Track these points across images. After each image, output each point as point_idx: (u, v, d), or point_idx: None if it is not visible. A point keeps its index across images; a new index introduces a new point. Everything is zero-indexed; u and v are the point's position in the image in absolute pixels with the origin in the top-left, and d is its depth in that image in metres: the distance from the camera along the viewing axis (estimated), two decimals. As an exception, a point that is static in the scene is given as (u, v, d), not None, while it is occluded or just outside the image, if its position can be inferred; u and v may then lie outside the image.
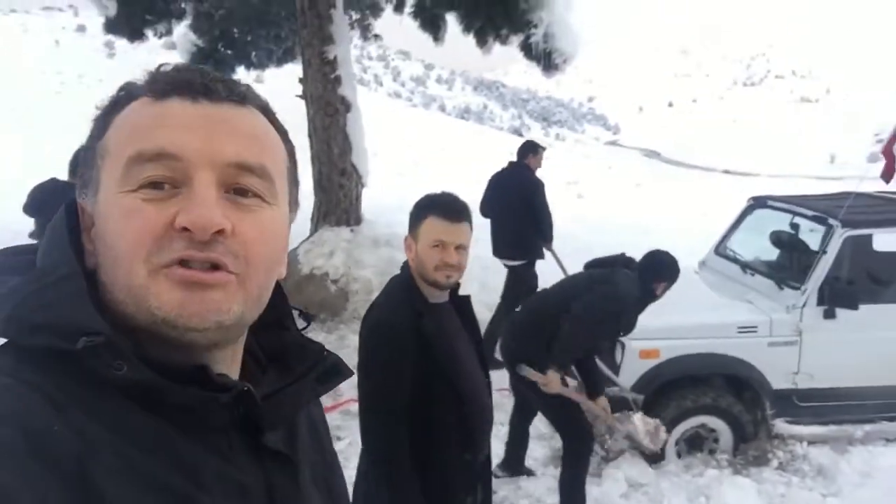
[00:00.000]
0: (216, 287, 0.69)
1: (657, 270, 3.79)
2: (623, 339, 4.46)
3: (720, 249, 5.60)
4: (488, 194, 6.46)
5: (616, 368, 4.51)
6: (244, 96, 0.76)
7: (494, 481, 4.09)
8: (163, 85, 0.73)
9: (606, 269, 3.93)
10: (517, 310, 4.32)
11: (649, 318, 4.51)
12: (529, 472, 4.23)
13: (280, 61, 11.60)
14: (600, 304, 3.69)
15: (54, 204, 2.86)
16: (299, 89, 7.89)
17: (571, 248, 9.34)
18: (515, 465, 4.25)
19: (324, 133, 7.68)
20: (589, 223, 12.23)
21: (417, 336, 2.05)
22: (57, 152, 4.97)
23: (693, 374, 4.46)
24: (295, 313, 0.91)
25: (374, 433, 2.07)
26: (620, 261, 3.99)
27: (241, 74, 11.16)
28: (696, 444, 4.53)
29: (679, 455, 4.49)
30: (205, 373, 0.70)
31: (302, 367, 0.82)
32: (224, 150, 0.71)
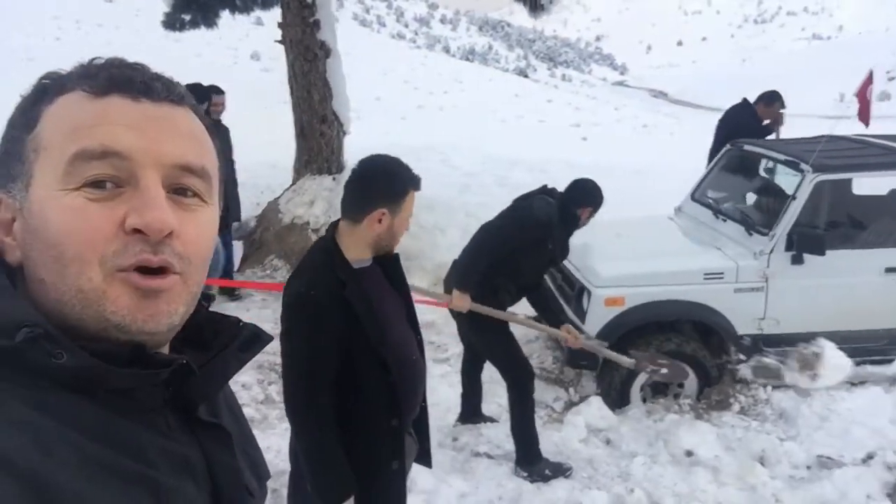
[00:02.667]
0: (166, 291, 0.71)
1: (580, 196, 3.86)
2: (589, 286, 4.48)
3: (696, 195, 5.56)
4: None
5: (582, 316, 4.53)
6: (182, 96, 0.77)
7: (455, 428, 4.22)
8: (102, 81, 0.72)
9: (523, 198, 3.99)
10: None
11: (615, 265, 4.54)
12: (489, 419, 4.28)
13: (266, 4, 11.36)
14: (511, 224, 3.79)
15: None
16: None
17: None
18: (472, 415, 4.30)
19: (303, 79, 7.57)
20: (592, 166, 12.12)
21: (341, 306, 2.02)
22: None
23: (658, 321, 4.48)
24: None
25: (296, 404, 2.06)
26: (540, 190, 4.02)
27: (227, 18, 10.96)
28: (660, 389, 4.58)
29: (644, 400, 4.54)
30: (142, 352, 0.70)
31: (221, 340, 0.84)
32: (170, 150, 0.72)
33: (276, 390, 4.53)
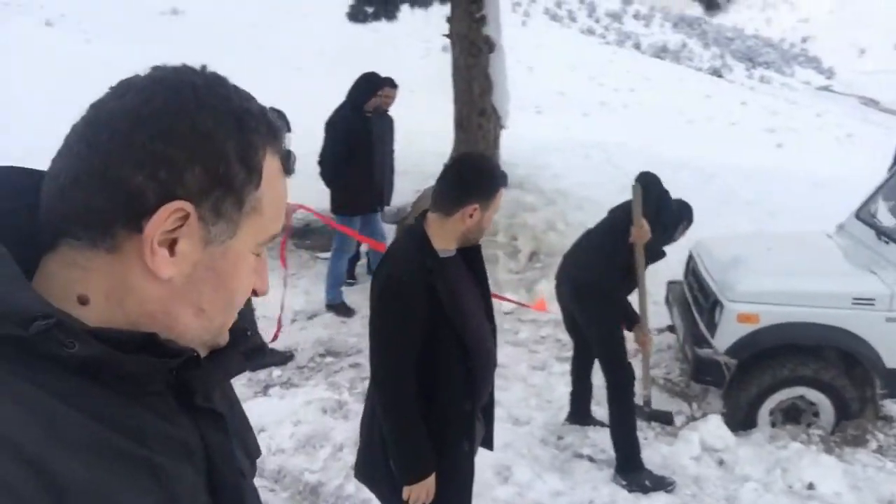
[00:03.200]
0: None
1: (688, 212, 4.22)
2: (723, 299, 4.28)
3: (861, 213, 5.10)
4: None
5: (713, 330, 4.34)
6: None
7: (562, 427, 4.21)
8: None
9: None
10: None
11: (755, 280, 4.30)
12: (599, 423, 4.22)
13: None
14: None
15: None
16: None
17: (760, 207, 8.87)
18: (581, 416, 4.27)
19: (466, 73, 7.77)
20: (783, 175, 11.39)
21: (427, 292, 2.14)
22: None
23: (795, 343, 4.19)
24: None
25: (384, 383, 2.21)
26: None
27: (405, 13, 11.41)
28: (792, 415, 4.29)
29: (773, 425, 4.28)
30: (153, 339, 0.73)
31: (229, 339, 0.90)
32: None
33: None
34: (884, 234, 4.62)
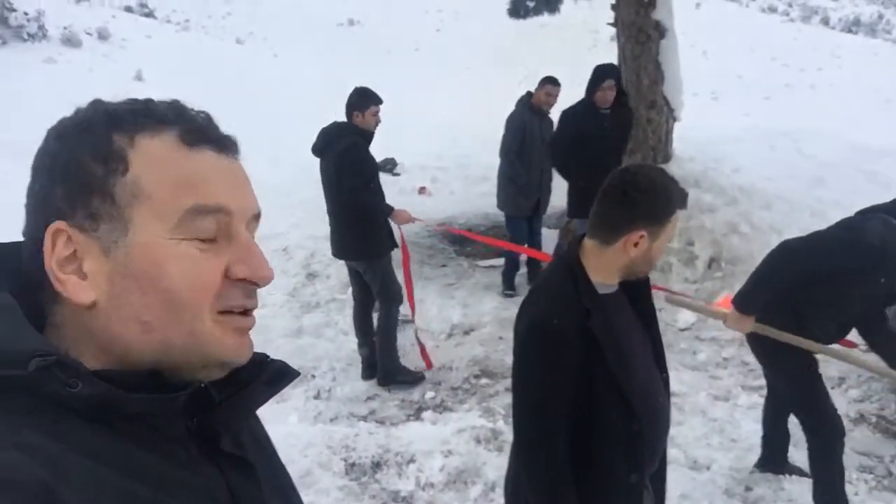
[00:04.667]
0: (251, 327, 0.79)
1: None
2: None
3: None
4: None
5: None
6: (237, 147, 0.82)
7: (752, 476, 3.59)
8: (193, 133, 0.76)
9: (861, 213, 3.06)
10: None
11: None
12: (798, 472, 3.52)
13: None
14: (824, 244, 2.94)
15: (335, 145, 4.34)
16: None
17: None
18: (775, 463, 3.59)
19: (633, 62, 7.14)
20: None
21: (584, 338, 1.74)
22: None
23: None
24: None
25: (529, 445, 1.83)
26: (886, 206, 3.02)
27: (568, 5, 10.88)
28: None
29: None
30: (158, 378, 0.73)
31: (248, 373, 0.83)
32: (251, 204, 0.80)
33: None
34: None
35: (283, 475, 0.97)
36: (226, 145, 0.79)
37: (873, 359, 3.35)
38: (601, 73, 5.50)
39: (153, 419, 0.72)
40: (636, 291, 1.95)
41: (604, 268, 1.82)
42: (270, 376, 0.85)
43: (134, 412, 0.70)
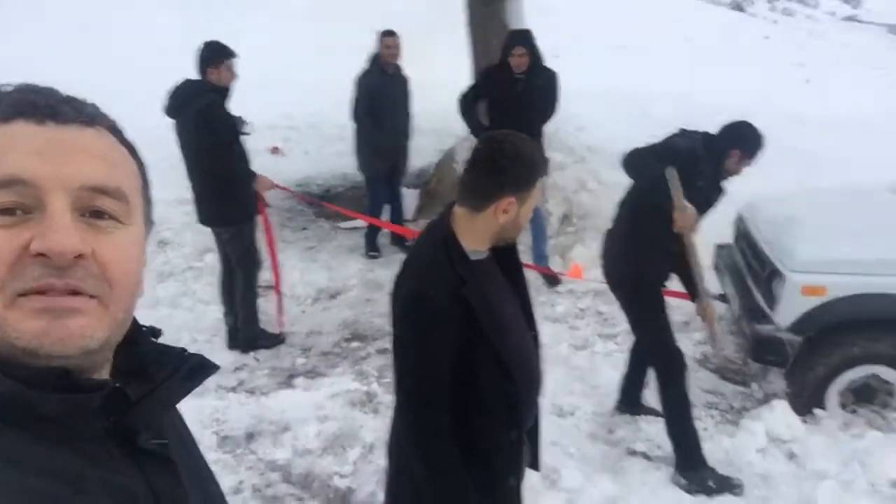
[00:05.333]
0: (77, 312, 0.70)
1: (733, 137, 3.41)
2: (783, 269, 3.86)
3: (932, 164, 4.62)
4: None
5: (772, 303, 3.93)
6: (92, 117, 0.77)
7: (612, 419, 3.87)
8: (5, 107, 0.72)
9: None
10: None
11: (819, 246, 3.88)
12: (653, 412, 3.85)
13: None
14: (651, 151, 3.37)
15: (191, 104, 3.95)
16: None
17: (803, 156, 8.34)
18: (632, 405, 3.91)
19: (482, 23, 7.24)
20: (817, 120, 10.75)
21: (460, 305, 1.78)
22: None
23: (869, 318, 3.78)
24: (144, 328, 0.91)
25: (415, 420, 1.87)
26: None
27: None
28: (864, 396, 3.91)
29: (843, 406, 3.90)
30: (68, 377, 0.69)
31: (165, 370, 0.82)
32: (77, 173, 0.72)
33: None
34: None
35: (202, 467, 0.96)
36: (51, 115, 0.73)
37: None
38: (510, 41, 5.38)
39: (68, 419, 0.69)
40: (505, 255, 2.01)
41: (475, 234, 1.87)
42: (187, 371, 0.83)
43: (48, 413, 0.67)
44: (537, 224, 5.54)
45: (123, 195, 0.76)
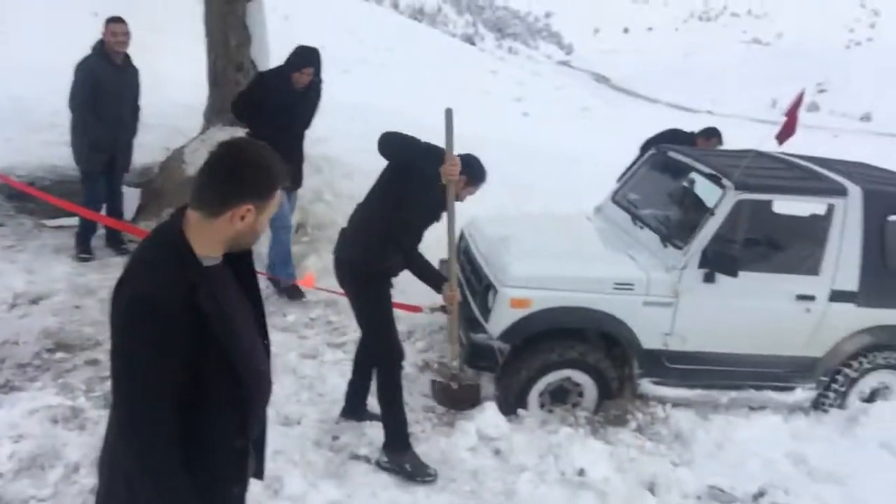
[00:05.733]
0: None
1: (462, 166, 3.62)
2: (496, 284, 4.24)
3: (617, 197, 5.37)
4: None
5: (486, 314, 4.30)
6: None
7: (338, 425, 3.94)
8: None
9: None
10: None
11: (526, 265, 4.31)
12: (377, 417, 3.95)
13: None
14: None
15: None
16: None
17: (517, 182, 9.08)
18: (356, 410, 4.03)
19: (220, 21, 7.03)
20: (529, 148, 11.84)
21: (190, 312, 1.70)
22: None
23: (564, 328, 4.29)
24: None
25: (137, 431, 1.74)
26: None
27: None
28: (560, 397, 4.41)
29: (542, 406, 4.36)
30: None
31: None
32: None
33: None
34: (638, 219, 4.88)
35: None
36: None
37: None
38: (302, 59, 5.22)
39: None
40: (239, 262, 1.98)
41: (209, 240, 1.81)
42: None
43: None
44: (281, 235, 5.47)
45: None
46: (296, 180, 5.54)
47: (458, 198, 3.74)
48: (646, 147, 6.69)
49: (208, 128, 7.29)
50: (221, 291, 1.84)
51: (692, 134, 6.64)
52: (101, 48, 5.59)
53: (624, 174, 5.71)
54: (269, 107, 5.12)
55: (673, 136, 6.58)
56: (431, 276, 3.91)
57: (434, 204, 3.67)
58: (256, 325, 2.02)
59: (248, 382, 1.88)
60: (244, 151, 1.82)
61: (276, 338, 4.72)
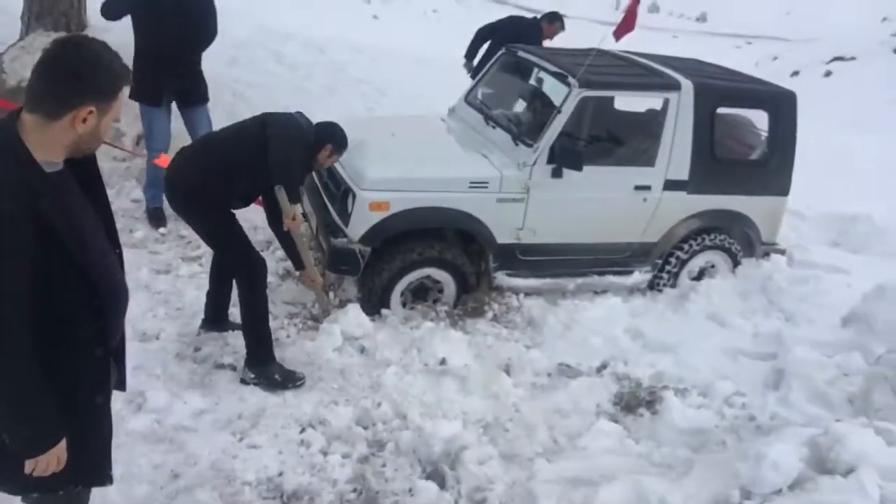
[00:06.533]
0: None
1: (329, 134, 3.86)
2: (354, 188, 4.25)
3: (470, 98, 5.45)
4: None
5: (346, 219, 4.31)
6: None
7: (199, 337, 3.90)
8: None
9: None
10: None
11: (383, 168, 4.34)
12: (238, 327, 3.92)
13: None
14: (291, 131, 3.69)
15: None
16: None
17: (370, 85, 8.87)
18: (218, 322, 3.99)
19: None
20: (376, 49, 11.53)
21: (35, 219, 1.63)
22: None
23: (422, 228, 4.39)
24: None
25: None
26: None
27: None
28: (420, 294, 4.56)
29: (404, 305, 4.50)
30: None
31: None
32: None
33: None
34: (491, 119, 5.00)
35: None
36: None
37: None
38: None
39: None
40: (83, 167, 1.89)
41: (49, 145, 1.72)
42: None
43: None
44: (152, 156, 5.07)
45: None
46: (184, 96, 5.12)
47: (323, 164, 3.95)
48: (482, 33, 6.82)
49: (27, 34, 6.61)
50: (67, 199, 1.77)
51: (533, 20, 6.81)
52: None
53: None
54: (140, 7, 4.69)
55: (511, 23, 6.74)
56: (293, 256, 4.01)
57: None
58: (107, 235, 1.97)
59: (103, 289, 1.85)
60: (81, 48, 1.71)
61: (126, 255, 4.53)
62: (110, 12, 4.83)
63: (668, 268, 5.05)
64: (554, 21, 6.78)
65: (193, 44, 5.01)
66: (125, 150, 5.90)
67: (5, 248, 1.61)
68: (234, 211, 3.72)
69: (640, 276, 5.01)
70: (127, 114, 6.15)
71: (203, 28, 5.01)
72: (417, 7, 31.43)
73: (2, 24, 7.82)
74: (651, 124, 5.02)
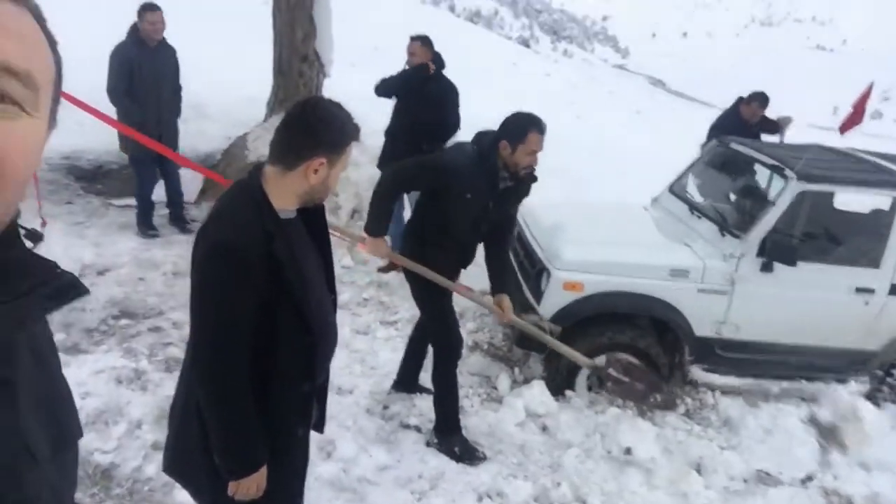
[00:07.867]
0: None
1: (499, 131, 3.42)
2: (549, 267, 4.28)
3: (675, 188, 5.34)
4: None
5: (539, 297, 4.33)
6: None
7: (389, 396, 4.03)
8: None
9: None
10: None
11: (579, 249, 4.34)
12: (427, 391, 4.04)
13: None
14: (414, 164, 3.60)
15: None
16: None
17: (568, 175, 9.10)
18: (408, 383, 4.10)
19: (288, 14, 7.21)
20: (580, 144, 11.79)
21: (266, 260, 1.81)
22: None
23: (615, 312, 4.29)
24: (22, 232, 0.81)
25: (210, 366, 1.85)
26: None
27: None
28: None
29: (590, 389, 4.38)
30: None
31: (27, 283, 0.73)
32: None
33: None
34: (696, 209, 4.86)
35: (57, 389, 0.88)
36: None
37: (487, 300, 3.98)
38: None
39: None
40: (312, 217, 2.07)
41: (285, 193, 1.91)
42: (55, 289, 0.76)
43: None
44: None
45: (34, 82, 0.68)
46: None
47: (519, 163, 3.44)
48: (711, 132, 6.72)
49: (271, 116, 7.48)
50: (295, 243, 1.94)
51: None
52: (135, 33, 5.60)
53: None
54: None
55: (735, 117, 6.61)
56: (494, 280, 3.86)
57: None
58: (326, 280, 2.12)
59: (317, 328, 1.97)
60: (317, 107, 1.92)
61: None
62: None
63: (889, 380, 4.52)
64: (752, 101, 6.58)
65: (428, 130, 5.41)
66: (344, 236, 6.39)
67: (238, 281, 1.78)
68: None
69: (856, 387, 4.52)
70: (346, 189, 6.73)
71: (440, 118, 5.46)
72: (621, 108, 31.71)
73: (249, 108, 8.95)
74: (876, 224, 4.62)
